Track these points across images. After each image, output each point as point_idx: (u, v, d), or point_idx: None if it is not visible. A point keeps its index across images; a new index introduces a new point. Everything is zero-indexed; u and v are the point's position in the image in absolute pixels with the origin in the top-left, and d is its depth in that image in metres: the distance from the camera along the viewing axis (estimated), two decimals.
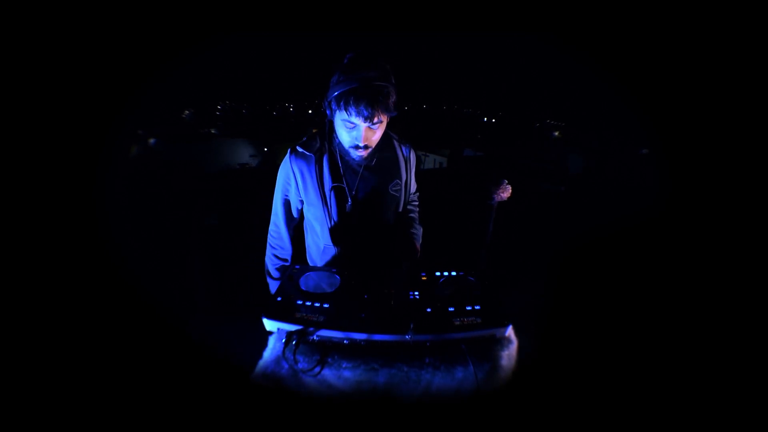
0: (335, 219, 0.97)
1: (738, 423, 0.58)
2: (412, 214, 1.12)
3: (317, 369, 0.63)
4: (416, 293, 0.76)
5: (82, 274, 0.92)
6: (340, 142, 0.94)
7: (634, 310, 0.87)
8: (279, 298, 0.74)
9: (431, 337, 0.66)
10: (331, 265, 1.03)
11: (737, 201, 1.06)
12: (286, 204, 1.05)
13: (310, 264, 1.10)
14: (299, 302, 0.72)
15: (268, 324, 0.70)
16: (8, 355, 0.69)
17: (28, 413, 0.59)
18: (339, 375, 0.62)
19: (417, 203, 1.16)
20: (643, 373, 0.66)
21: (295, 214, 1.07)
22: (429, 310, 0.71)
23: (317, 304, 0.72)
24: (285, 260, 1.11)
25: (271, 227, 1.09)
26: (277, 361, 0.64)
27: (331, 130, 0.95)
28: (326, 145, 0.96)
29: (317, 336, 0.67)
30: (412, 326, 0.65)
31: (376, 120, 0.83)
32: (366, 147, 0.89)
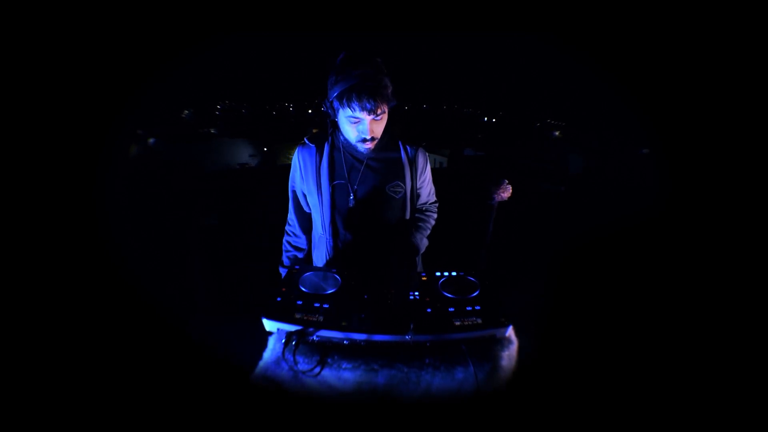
0: (329, 210, 0.99)
1: (738, 423, 0.58)
2: (419, 223, 1.08)
3: (317, 370, 0.63)
4: (416, 293, 0.76)
5: (81, 274, 0.92)
6: (344, 139, 0.96)
7: (635, 310, 0.87)
8: (278, 299, 0.74)
9: (431, 337, 0.66)
10: (323, 256, 1.05)
11: (737, 201, 1.06)
12: (294, 194, 1.09)
13: (316, 253, 1.11)
14: (299, 302, 0.72)
15: (268, 324, 0.70)
16: (8, 355, 0.69)
17: (28, 413, 0.58)
18: (339, 376, 0.62)
19: (431, 214, 1.12)
20: (643, 373, 0.66)
21: (302, 204, 1.10)
22: (429, 310, 0.71)
23: (317, 305, 0.72)
24: (298, 249, 1.12)
25: (288, 215, 1.14)
26: (276, 361, 0.64)
27: (335, 128, 0.98)
28: (331, 140, 0.99)
29: (317, 336, 0.67)
30: (412, 327, 0.65)
31: (379, 111, 0.87)
32: (372, 139, 0.92)
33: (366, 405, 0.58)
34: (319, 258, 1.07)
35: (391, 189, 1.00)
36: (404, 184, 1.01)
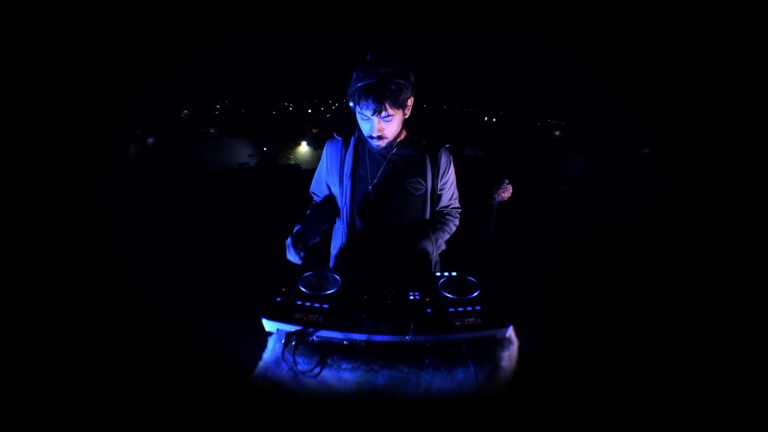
0: (349, 201, 1.02)
1: (738, 423, 0.58)
2: (438, 225, 1.06)
3: (317, 370, 0.63)
4: (416, 293, 0.76)
5: (81, 274, 0.92)
6: None
7: (635, 311, 0.87)
8: (278, 299, 0.73)
9: (431, 337, 0.66)
10: (339, 246, 1.07)
11: (737, 201, 1.06)
12: (317, 182, 1.13)
13: (333, 243, 1.12)
14: (299, 303, 0.72)
15: (268, 325, 0.70)
16: (8, 354, 0.69)
17: (28, 413, 0.58)
18: (339, 376, 0.62)
19: (452, 218, 1.10)
20: (643, 373, 0.66)
21: (327, 192, 1.12)
22: (429, 310, 0.71)
23: (317, 305, 0.72)
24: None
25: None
26: (276, 362, 0.64)
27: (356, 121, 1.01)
28: (357, 133, 1.03)
29: (317, 337, 0.67)
30: (412, 327, 0.65)
31: (384, 113, 0.88)
32: (380, 137, 0.94)
33: (366, 405, 0.58)
34: (336, 247, 1.09)
35: (411, 185, 1.01)
36: (425, 181, 1.02)
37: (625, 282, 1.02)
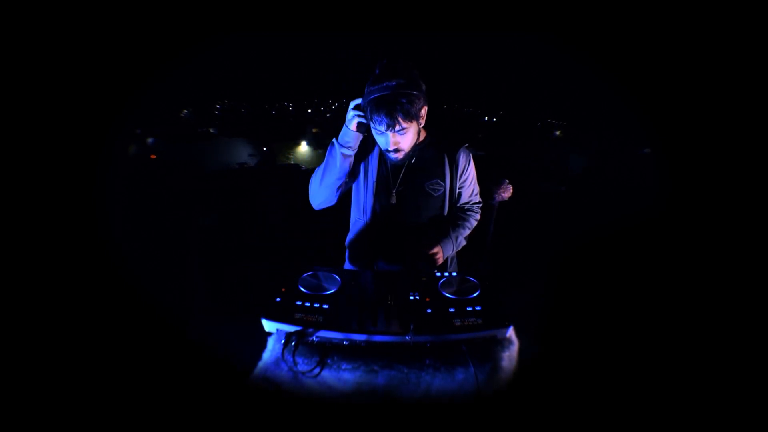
0: (371, 200, 1.02)
1: (738, 423, 0.58)
2: (458, 221, 1.08)
3: (317, 370, 0.63)
4: (416, 294, 0.76)
5: (80, 274, 0.92)
6: None
7: (635, 311, 0.87)
8: (278, 299, 0.73)
9: (431, 338, 0.66)
10: (358, 241, 1.08)
11: (737, 201, 1.06)
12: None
13: (350, 240, 1.13)
14: (298, 303, 0.72)
15: (267, 325, 0.69)
16: (6, 354, 0.68)
17: (26, 413, 0.58)
18: (338, 376, 0.62)
19: (473, 213, 1.11)
20: (644, 373, 0.66)
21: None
22: (429, 311, 0.71)
23: (316, 305, 0.71)
24: None
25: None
26: (276, 362, 0.64)
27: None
28: None
29: (316, 337, 0.67)
30: (412, 327, 0.65)
31: (398, 128, 0.87)
32: (397, 150, 0.93)
33: (366, 406, 0.58)
34: (354, 241, 1.10)
35: (430, 186, 1.02)
36: (444, 182, 1.03)
37: (626, 282, 1.01)
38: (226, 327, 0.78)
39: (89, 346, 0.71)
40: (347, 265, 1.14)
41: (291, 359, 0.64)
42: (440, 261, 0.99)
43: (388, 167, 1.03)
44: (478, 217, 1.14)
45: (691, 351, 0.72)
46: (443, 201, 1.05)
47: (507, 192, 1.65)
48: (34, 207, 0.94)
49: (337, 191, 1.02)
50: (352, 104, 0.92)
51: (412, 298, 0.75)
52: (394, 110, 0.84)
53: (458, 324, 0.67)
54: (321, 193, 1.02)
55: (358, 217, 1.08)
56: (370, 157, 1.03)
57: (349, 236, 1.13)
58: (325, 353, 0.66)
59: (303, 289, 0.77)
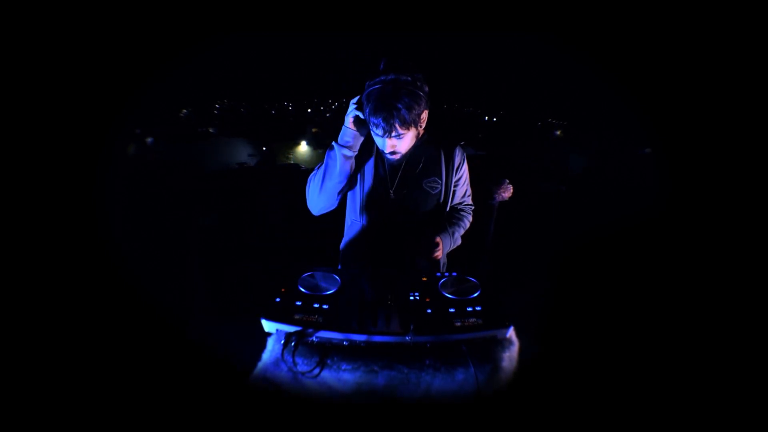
0: (367, 199, 1.00)
1: (738, 423, 0.58)
2: (453, 220, 1.07)
3: (316, 371, 0.63)
4: (416, 294, 0.76)
5: (80, 274, 0.91)
6: None
7: (636, 311, 0.87)
8: (278, 299, 0.73)
9: (431, 338, 0.66)
10: (355, 243, 1.06)
11: (737, 200, 1.05)
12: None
13: (346, 240, 1.11)
14: (298, 303, 0.72)
15: (267, 325, 0.69)
16: (7, 355, 0.68)
17: (26, 413, 0.58)
18: (338, 377, 0.62)
19: (465, 214, 1.10)
20: (644, 373, 0.65)
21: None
22: (429, 311, 0.71)
23: (316, 305, 0.71)
24: None
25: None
26: (275, 362, 0.64)
27: None
28: None
29: (316, 337, 0.67)
30: (412, 327, 0.65)
31: (394, 133, 0.85)
32: (394, 153, 0.92)
33: (366, 406, 0.58)
34: (350, 244, 1.08)
35: (428, 184, 1.01)
36: (440, 179, 1.02)
37: (626, 282, 1.01)
38: (226, 327, 0.78)
39: (89, 346, 0.71)
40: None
41: (291, 360, 0.64)
42: (440, 255, 0.97)
43: (385, 167, 1.01)
44: (471, 219, 1.13)
45: (691, 351, 0.72)
46: (440, 199, 1.04)
47: (507, 192, 1.65)
48: (34, 207, 0.94)
49: (338, 195, 0.99)
50: (352, 103, 0.90)
51: (412, 298, 0.75)
52: (390, 117, 0.82)
53: (458, 324, 0.67)
54: (321, 200, 0.98)
55: (354, 219, 1.05)
56: (366, 159, 1.01)
57: (344, 240, 1.11)
58: (324, 354, 0.66)
59: (303, 290, 0.76)
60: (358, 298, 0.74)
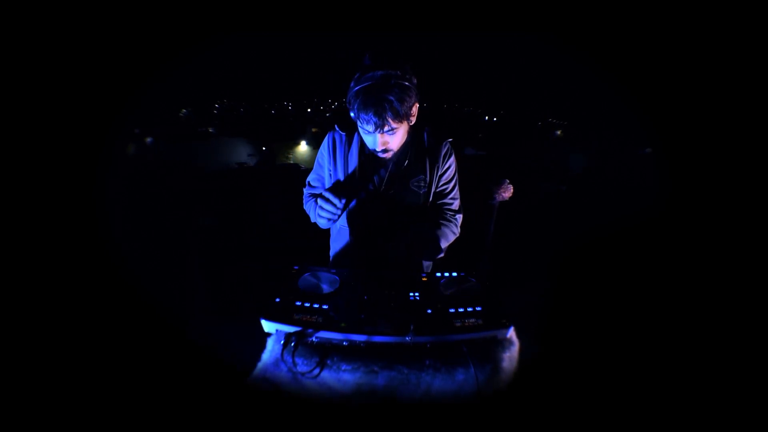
0: (354, 203, 0.96)
1: (738, 423, 0.57)
2: (441, 221, 0.99)
3: (316, 371, 0.63)
4: (416, 294, 0.75)
5: (80, 275, 0.91)
6: None
7: (636, 311, 0.87)
8: (277, 299, 0.73)
9: (432, 338, 0.65)
10: (340, 249, 1.04)
11: (738, 200, 1.05)
12: (319, 177, 1.07)
13: (333, 242, 1.08)
14: (298, 303, 0.72)
15: (267, 325, 0.69)
16: (7, 355, 0.68)
17: (25, 414, 0.58)
18: (338, 377, 0.62)
19: (451, 224, 1.01)
20: (645, 374, 0.65)
21: (322, 187, 1.06)
22: (429, 311, 0.71)
23: (316, 305, 0.71)
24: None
25: (305, 192, 1.10)
26: (275, 363, 0.64)
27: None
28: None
29: (316, 338, 0.66)
30: (412, 328, 0.64)
31: (387, 128, 0.81)
32: (385, 150, 0.87)
33: (366, 407, 0.58)
34: (338, 246, 1.05)
35: (415, 184, 0.96)
36: (426, 177, 0.96)
37: (627, 282, 1.01)
38: (226, 327, 0.78)
39: (89, 346, 0.71)
40: None
41: (290, 360, 0.63)
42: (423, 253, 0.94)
43: (371, 168, 0.96)
44: (458, 232, 1.03)
45: (691, 351, 0.72)
46: (427, 197, 0.98)
47: (507, 192, 1.65)
48: (33, 207, 0.94)
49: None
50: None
51: (412, 298, 0.74)
52: (382, 110, 0.77)
53: (458, 324, 0.67)
54: (320, 222, 0.97)
55: (341, 223, 1.02)
56: (350, 157, 0.96)
57: (333, 242, 1.08)
58: (324, 354, 0.66)
59: (303, 290, 0.76)
60: (358, 298, 0.74)
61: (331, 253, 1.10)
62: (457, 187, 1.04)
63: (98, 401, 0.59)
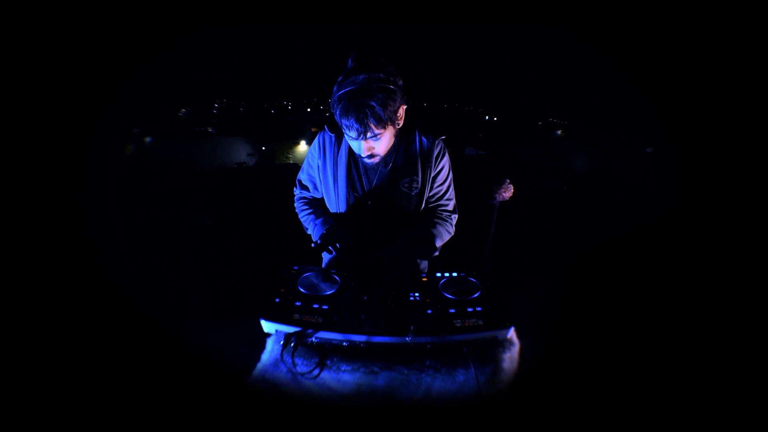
0: (344, 204, 0.95)
1: (739, 424, 0.57)
2: (436, 220, 0.97)
3: (316, 372, 0.62)
4: (416, 294, 0.75)
5: (73, 276, 0.90)
6: None
7: (638, 311, 0.86)
8: (277, 300, 0.72)
9: (432, 339, 0.65)
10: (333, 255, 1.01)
11: (754, 201, 1.02)
12: (310, 177, 1.04)
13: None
14: (297, 303, 0.71)
15: (266, 326, 0.69)
16: None
17: (19, 418, 0.57)
18: (338, 378, 0.61)
19: (446, 223, 0.98)
20: (649, 377, 0.65)
21: (314, 192, 1.05)
22: (429, 311, 0.70)
23: (315, 306, 0.71)
24: (315, 208, 1.03)
25: (297, 192, 1.09)
26: (275, 363, 0.63)
27: None
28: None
29: (316, 338, 0.66)
30: (412, 328, 0.64)
31: (369, 134, 0.79)
32: (371, 156, 0.85)
33: (366, 408, 0.57)
34: (331, 256, 1.03)
35: (406, 185, 0.94)
36: (419, 178, 0.94)
37: (628, 283, 1.00)
38: (225, 328, 0.77)
39: (87, 349, 0.70)
40: None
41: (290, 360, 0.63)
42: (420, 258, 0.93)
43: (360, 170, 0.94)
44: (453, 231, 1.01)
45: (698, 355, 0.71)
46: (420, 200, 0.96)
47: (508, 192, 1.64)
48: (22, 207, 0.92)
49: None
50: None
51: (412, 298, 0.74)
52: (364, 116, 0.75)
53: (459, 325, 0.67)
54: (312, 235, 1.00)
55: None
56: (339, 159, 0.94)
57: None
58: (324, 354, 0.65)
59: (302, 290, 0.76)
60: (358, 298, 0.73)
61: (324, 257, 1.07)
62: (452, 188, 1.01)
63: (97, 405, 0.59)
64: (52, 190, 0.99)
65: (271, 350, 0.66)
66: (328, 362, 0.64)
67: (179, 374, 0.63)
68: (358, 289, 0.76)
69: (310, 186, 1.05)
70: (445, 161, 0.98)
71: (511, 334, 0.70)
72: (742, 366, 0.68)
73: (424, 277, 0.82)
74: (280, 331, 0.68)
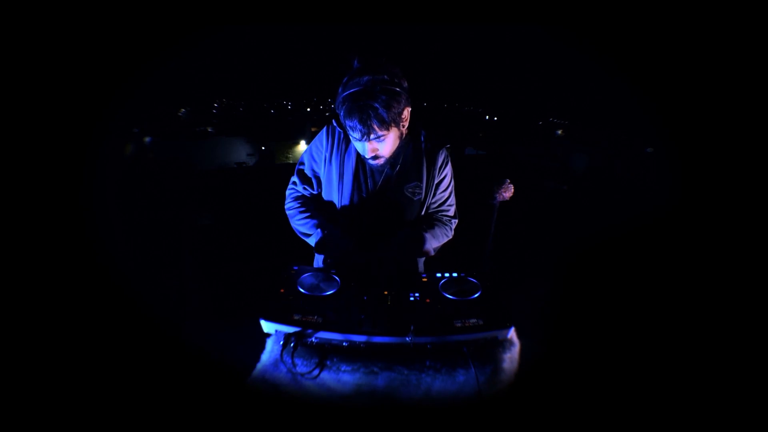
0: (346, 201, 0.94)
1: (742, 425, 0.57)
2: (435, 222, 0.98)
3: (316, 372, 0.62)
4: (416, 294, 0.75)
5: (70, 277, 0.90)
6: None
7: (638, 311, 0.86)
8: (277, 300, 0.72)
9: (432, 339, 0.65)
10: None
11: (754, 201, 1.01)
12: (313, 170, 1.01)
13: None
14: (297, 304, 0.71)
15: (266, 326, 0.69)
16: None
17: (17, 419, 0.57)
18: (338, 378, 0.61)
19: (446, 226, 1.00)
20: (649, 377, 0.65)
21: (316, 183, 1.02)
22: (429, 312, 0.70)
23: (315, 306, 0.71)
24: (313, 211, 1.00)
25: (289, 192, 1.05)
26: (275, 364, 0.63)
27: None
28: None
29: (316, 338, 0.66)
30: (412, 328, 0.64)
31: (373, 136, 0.79)
32: (376, 157, 0.86)
33: (365, 408, 0.57)
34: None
35: (409, 190, 0.94)
36: (423, 184, 0.94)
37: (629, 283, 1.00)
38: (225, 328, 0.77)
39: (87, 349, 0.70)
40: None
41: (290, 361, 0.63)
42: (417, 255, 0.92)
43: (366, 173, 0.94)
44: (452, 235, 1.03)
45: (698, 355, 0.71)
46: (422, 205, 0.97)
47: (508, 192, 1.64)
48: (21, 207, 0.92)
49: None
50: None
51: (412, 298, 0.74)
52: (368, 117, 0.75)
53: (459, 325, 0.67)
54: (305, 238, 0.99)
55: (327, 217, 0.99)
56: (348, 156, 0.92)
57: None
58: (324, 355, 0.65)
59: (302, 290, 0.76)
60: (358, 298, 0.73)
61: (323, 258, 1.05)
62: (453, 194, 1.03)
63: (97, 405, 0.59)
64: (52, 190, 0.99)
65: (270, 350, 0.66)
66: (328, 362, 0.64)
67: (179, 374, 0.63)
68: (358, 289, 0.76)
69: (313, 180, 1.01)
70: (448, 169, 1.00)
71: (512, 334, 0.70)
72: (742, 366, 0.68)
73: (424, 277, 0.82)
74: (279, 331, 0.68)
